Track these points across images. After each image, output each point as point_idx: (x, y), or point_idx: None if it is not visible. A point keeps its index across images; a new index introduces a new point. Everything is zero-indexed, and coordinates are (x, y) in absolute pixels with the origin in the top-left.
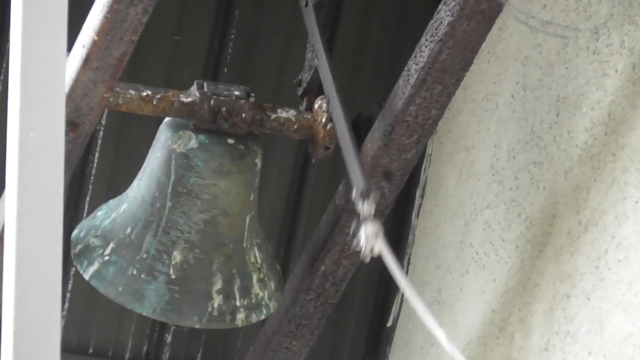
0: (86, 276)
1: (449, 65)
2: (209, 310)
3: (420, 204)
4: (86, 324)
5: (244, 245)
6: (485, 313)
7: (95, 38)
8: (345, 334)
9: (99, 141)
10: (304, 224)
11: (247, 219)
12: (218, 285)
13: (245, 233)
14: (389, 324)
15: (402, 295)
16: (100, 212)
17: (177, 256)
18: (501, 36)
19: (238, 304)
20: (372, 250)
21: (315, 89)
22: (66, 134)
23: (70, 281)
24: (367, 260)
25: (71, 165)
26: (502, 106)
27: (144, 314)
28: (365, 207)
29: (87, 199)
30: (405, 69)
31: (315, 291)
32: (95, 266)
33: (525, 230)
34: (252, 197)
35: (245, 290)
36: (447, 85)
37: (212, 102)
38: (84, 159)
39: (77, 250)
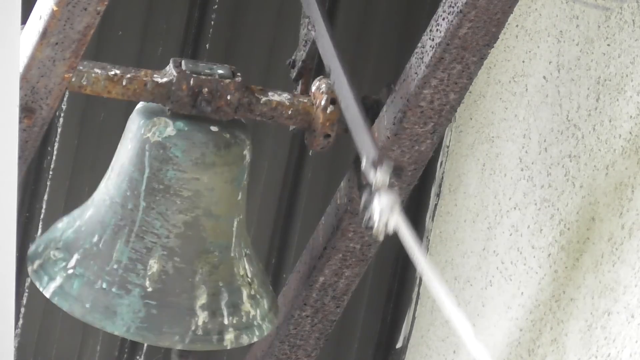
0: (47, 294)
1: (470, 41)
2: (193, 328)
3: (436, 205)
4: (44, 344)
5: (232, 254)
6: (512, 332)
7: (55, 8)
8: (348, 356)
9: (59, 129)
10: (299, 227)
11: (235, 223)
12: (202, 299)
13: (233, 240)
14: (399, 345)
15: (414, 311)
16: (61, 224)
17: (153, 265)
18: (532, 7)
19: (226, 322)
20: (386, 225)
21: (313, 70)
22: (20, 121)
23: (25, 294)
24: (381, 237)
25: (26, 157)
26: (533, 89)
27: (116, 333)
28: (378, 176)
29: (45, 197)
30: (419, 45)
31: (312, 306)
32: (57, 281)
33: (559, 235)
34: (239, 197)
35: (234, 307)
36: (468, 65)
37: (191, 82)
38: (40, 150)
39: (35, 266)
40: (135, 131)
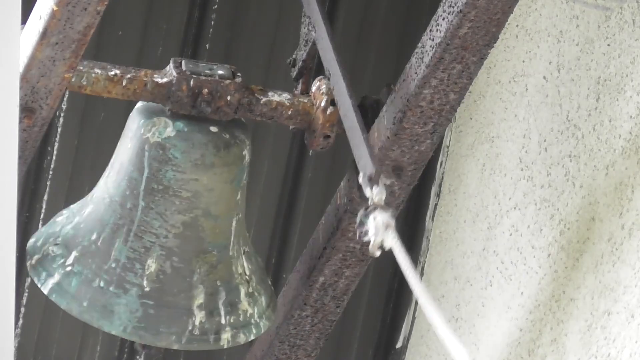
0: (45, 290)
1: (470, 40)
2: (190, 328)
3: (436, 205)
4: (44, 344)
5: (230, 253)
6: (512, 332)
7: (55, 8)
8: (348, 356)
9: (59, 129)
10: (299, 227)
11: (234, 222)
12: (200, 299)
13: (232, 239)
14: (399, 345)
15: (414, 311)
16: (60, 218)
17: (151, 265)
18: (532, 7)
19: (223, 321)
20: (382, 243)
21: (313, 69)
22: (20, 121)
23: (25, 294)
24: (377, 254)
25: (26, 157)
26: (533, 89)
27: (113, 332)
28: (375, 193)
29: (45, 197)
30: (419, 45)
31: (312, 306)
32: (55, 278)
33: (559, 235)
34: (239, 197)
35: (232, 306)
36: (468, 65)
37: (191, 83)
38: (40, 150)
39: (33, 260)
40: (135, 130)
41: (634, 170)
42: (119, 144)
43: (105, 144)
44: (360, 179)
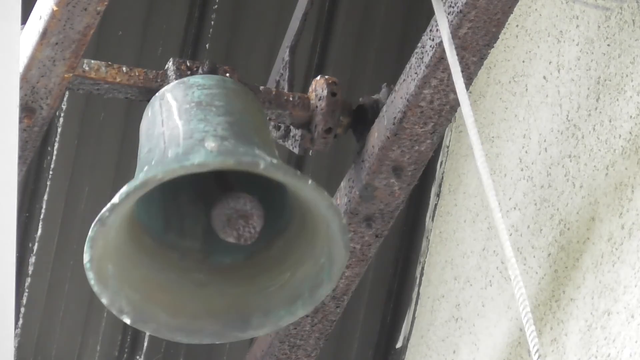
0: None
1: (470, 40)
2: (268, 160)
3: (436, 204)
4: (44, 344)
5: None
6: (512, 332)
7: (55, 8)
8: (348, 356)
9: (59, 129)
10: None
11: (276, 151)
12: (266, 154)
13: (273, 146)
14: (399, 345)
15: (414, 311)
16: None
17: (211, 143)
18: (532, 7)
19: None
20: None
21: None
22: (20, 121)
23: (25, 294)
24: None
25: (26, 157)
26: (533, 89)
27: (196, 162)
28: None
29: (45, 197)
30: (419, 45)
31: None
32: (117, 198)
33: (559, 235)
34: (271, 136)
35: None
36: (468, 65)
37: (188, 63)
38: (40, 150)
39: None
40: (152, 102)
41: (634, 170)
42: (139, 142)
43: (105, 144)
44: None
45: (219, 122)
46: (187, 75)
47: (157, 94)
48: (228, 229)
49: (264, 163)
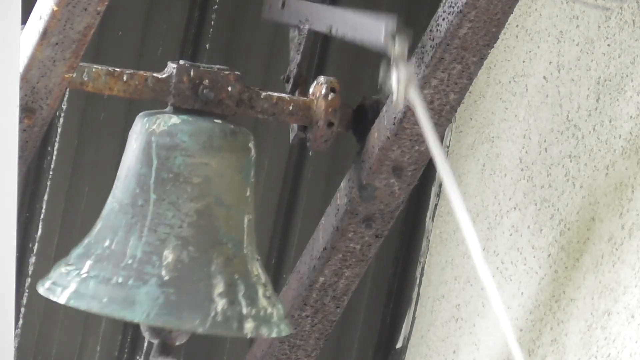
0: (62, 300)
1: (470, 41)
2: (212, 314)
3: (436, 205)
4: (44, 344)
5: (245, 251)
6: (512, 332)
7: (55, 8)
8: (348, 356)
9: (59, 129)
10: (299, 227)
11: (246, 220)
12: (220, 288)
13: (245, 237)
14: (399, 345)
15: (414, 311)
16: (70, 253)
17: (168, 256)
18: (532, 7)
19: (245, 311)
20: (405, 94)
21: (309, 80)
22: (20, 121)
23: (25, 294)
24: (401, 106)
25: (26, 157)
26: (533, 89)
27: (136, 321)
28: (397, 47)
29: (45, 197)
30: (419, 45)
31: (312, 307)
32: (71, 287)
33: (559, 235)
34: (248, 193)
35: (252, 300)
36: (468, 65)
37: (191, 74)
38: (40, 150)
39: (47, 285)
40: (140, 129)
41: (634, 171)
42: (124, 155)
43: (105, 144)
44: (383, 35)
45: (187, 212)
46: (186, 95)
47: (147, 127)
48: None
49: (203, 324)
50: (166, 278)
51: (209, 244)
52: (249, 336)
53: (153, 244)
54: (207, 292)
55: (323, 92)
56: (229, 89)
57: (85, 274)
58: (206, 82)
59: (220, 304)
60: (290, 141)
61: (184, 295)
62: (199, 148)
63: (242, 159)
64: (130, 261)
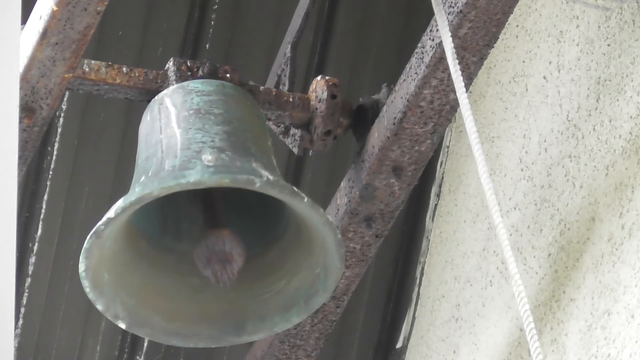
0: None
1: (470, 41)
2: (263, 178)
3: (436, 205)
4: (44, 344)
5: (274, 165)
6: (512, 332)
7: (55, 8)
8: (348, 356)
9: (59, 129)
10: None
11: (274, 160)
12: (262, 169)
13: (273, 159)
14: (399, 345)
15: (414, 311)
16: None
17: (208, 156)
18: (532, 7)
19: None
20: None
21: (311, 77)
22: (20, 121)
23: (25, 294)
24: None
25: (26, 157)
26: (533, 89)
27: (192, 181)
28: None
29: (45, 197)
30: (419, 45)
31: None
32: (113, 212)
33: (559, 235)
34: (269, 143)
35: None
36: (468, 65)
37: (188, 63)
38: (40, 150)
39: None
40: (151, 105)
41: (634, 171)
42: (139, 130)
43: (105, 144)
44: None
45: (216, 132)
46: (187, 77)
47: (156, 97)
48: (208, 270)
49: (260, 181)
50: (211, 164)
51: (242, 153)
52: (305, 200)
53: (189, 155)
54: (252, 168)
55: (324, 96)
56: (228, 75)
57: (124, 200)
58: (205, 68)
59: (265, 174)
60: (297, 153)
61: (231, 166)
62: (214, 89)
63: (256, 111)
64: (171, 168)
